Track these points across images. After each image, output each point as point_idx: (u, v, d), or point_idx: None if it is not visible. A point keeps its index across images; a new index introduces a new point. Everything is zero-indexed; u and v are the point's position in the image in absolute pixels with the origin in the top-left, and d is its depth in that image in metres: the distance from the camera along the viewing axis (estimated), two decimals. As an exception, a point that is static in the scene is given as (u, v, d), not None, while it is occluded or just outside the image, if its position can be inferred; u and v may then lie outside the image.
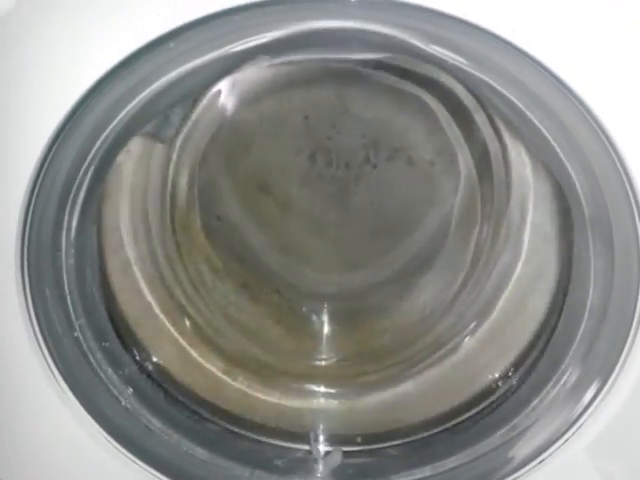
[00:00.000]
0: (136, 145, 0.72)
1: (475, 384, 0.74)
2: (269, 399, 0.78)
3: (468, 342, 0.78)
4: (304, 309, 0.91)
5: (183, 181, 0.82)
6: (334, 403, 0.80)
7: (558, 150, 0.55)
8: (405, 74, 0.75)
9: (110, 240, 0.72)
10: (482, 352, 0.77)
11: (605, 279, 0.58)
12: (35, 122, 0.52)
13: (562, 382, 0.63)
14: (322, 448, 0.73)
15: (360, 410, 0.79)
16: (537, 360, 0.69)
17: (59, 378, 0.60)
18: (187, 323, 0.79)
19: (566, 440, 0.60)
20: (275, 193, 0.87)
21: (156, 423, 0.67)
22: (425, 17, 0.50)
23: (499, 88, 0.54)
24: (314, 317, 0.91)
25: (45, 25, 0.50)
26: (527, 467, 0.61)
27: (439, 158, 0.84)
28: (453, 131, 0.82)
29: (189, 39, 0.51)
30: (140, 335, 0.74)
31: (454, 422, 0.72)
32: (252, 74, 0.77)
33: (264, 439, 0.74)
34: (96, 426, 0.61)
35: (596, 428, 0.59)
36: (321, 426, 0.76)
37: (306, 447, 0.73)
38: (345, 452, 0.72)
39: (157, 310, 0.76)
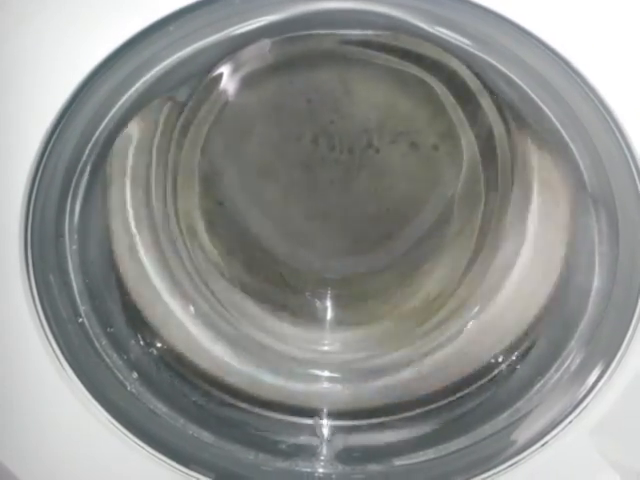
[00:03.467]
0: (138, 129, 0.72)
1: (478, 368, 0.74)
2: (274, 383, 0.78)
3: (472, 326, 0.78)
4: (308, 294, 0.91)
5: (185, 166, 0.82)
6: (338, 387, 0.80)
7: (563, 133, 0.54)
8: (408, 56, 0.74)
9: (116, 225, 0.72)
10: (485, 336, 0.77)
11: (610, 263, 0.58)
12: (36, 107, 0.52)
13: (566, 365, 0.63)
14: (326, 431, 0.73)
15: (364, 394, 0.79)
16: (541, 343, 0.69)
17: (64, 364, 0.60)
18: (192, 309, 0.79)
19: (569, 423, 0.60)
20: (277, 178, 0.87)
21: (162, 407, 0.67)
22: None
23: (503, 69, 0.53)
24: (318, 302, 0.91)
25: (45, 9, 0.50)
26: (529, 450, 0.61)
27: (443, 142, 0.84)
28: (457, 114, 0.81)
29: (189, 22, 0.51)
30: (145, 320, 0.74)
31: (457, 405, 0.73)
32: (254, 57, 0.77)
33: (269, 423, 0.75)
34: (102, 411, 0.61)
35: (599, 411, 0.59)
36: (325, 410, 0.76)
37: (310, 431, 0.74)
38: (349, 435, 0.73)
39: (163, 295, 0.76)
